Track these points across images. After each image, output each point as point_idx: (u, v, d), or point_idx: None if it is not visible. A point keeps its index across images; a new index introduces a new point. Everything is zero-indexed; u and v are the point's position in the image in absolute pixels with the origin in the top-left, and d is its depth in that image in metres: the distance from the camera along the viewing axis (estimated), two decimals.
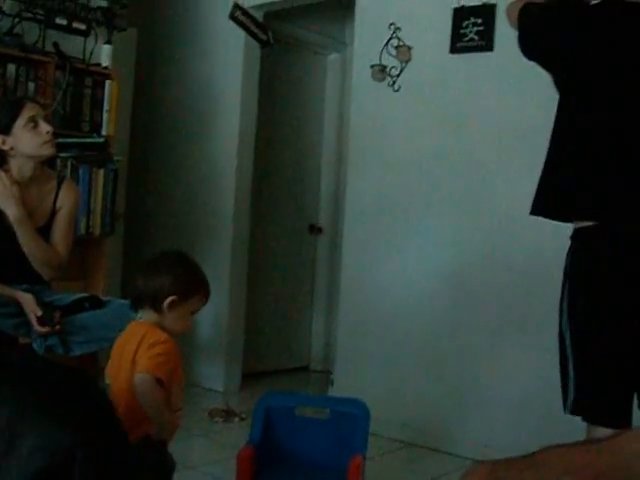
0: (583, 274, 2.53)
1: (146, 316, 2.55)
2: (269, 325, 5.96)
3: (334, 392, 4.73)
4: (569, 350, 2.52)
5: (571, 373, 2.51)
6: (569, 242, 2.61)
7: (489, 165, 4.15)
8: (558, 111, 2.68)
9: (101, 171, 4.29)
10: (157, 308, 2.52)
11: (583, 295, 2.51)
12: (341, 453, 2.93)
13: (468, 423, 4.13)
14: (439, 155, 4.33)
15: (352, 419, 3.05)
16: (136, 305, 2.59)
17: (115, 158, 4.38)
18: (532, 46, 2.69)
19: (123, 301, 3.56)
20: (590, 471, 1.39)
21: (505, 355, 4.05)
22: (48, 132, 3.42)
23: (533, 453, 1.51)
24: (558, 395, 3.72)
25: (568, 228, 2.72)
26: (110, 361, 2.57)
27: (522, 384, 3.96)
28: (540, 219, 3.76)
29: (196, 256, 5.01)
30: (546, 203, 2.66)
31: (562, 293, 2.57)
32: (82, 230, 4.20)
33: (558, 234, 3.70)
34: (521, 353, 3.99)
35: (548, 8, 2.65)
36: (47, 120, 3.48)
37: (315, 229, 6.26)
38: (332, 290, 5.95)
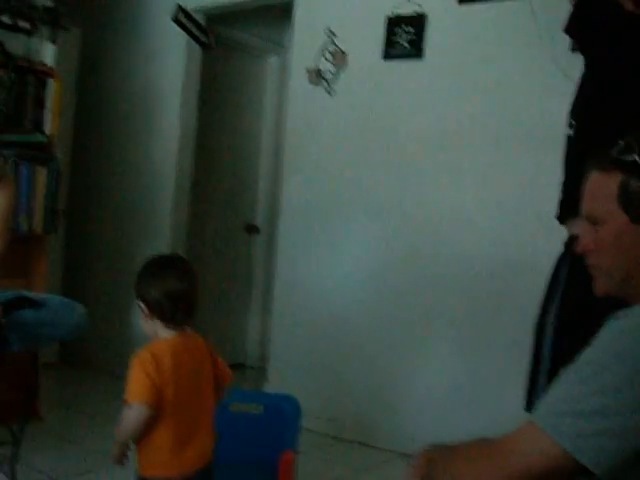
0: (582, 287, 2.18)
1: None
2: (206, 322, 6.02)
3: (268, 388, 4.84)
4: (546, 350, 2.41)
5: (542, 375, 2.40)
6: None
7: (418, 169, 4.28)
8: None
9: (43, 169, 4.31)
10: None
11: (578, 307, 2.31)
12: (273, 449, 3.00)
13: (396, 417, 4.28)
14: (371, 158, 4.46)
15: (283, 415, 3.14)
16: None
17: (57, 156, 4.42)
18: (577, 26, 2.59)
19: (64, 299, 3.60)
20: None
21: (431, 350, 4.20)
22: None
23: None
24: (484, 388, 3.91)
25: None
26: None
27: (448, 378, 4.11)
28: (464, 219, 3.94)
29: (135, 254, 5.15)
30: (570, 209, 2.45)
31: (547, 298, 2.46)
32: (24, 227, 4.23)
33: (483, 233, 3.92)
34: (447, 348, 4.14)
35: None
36: None
37: (252, 229, 6.37)
38: (268, 288, 6.03)
